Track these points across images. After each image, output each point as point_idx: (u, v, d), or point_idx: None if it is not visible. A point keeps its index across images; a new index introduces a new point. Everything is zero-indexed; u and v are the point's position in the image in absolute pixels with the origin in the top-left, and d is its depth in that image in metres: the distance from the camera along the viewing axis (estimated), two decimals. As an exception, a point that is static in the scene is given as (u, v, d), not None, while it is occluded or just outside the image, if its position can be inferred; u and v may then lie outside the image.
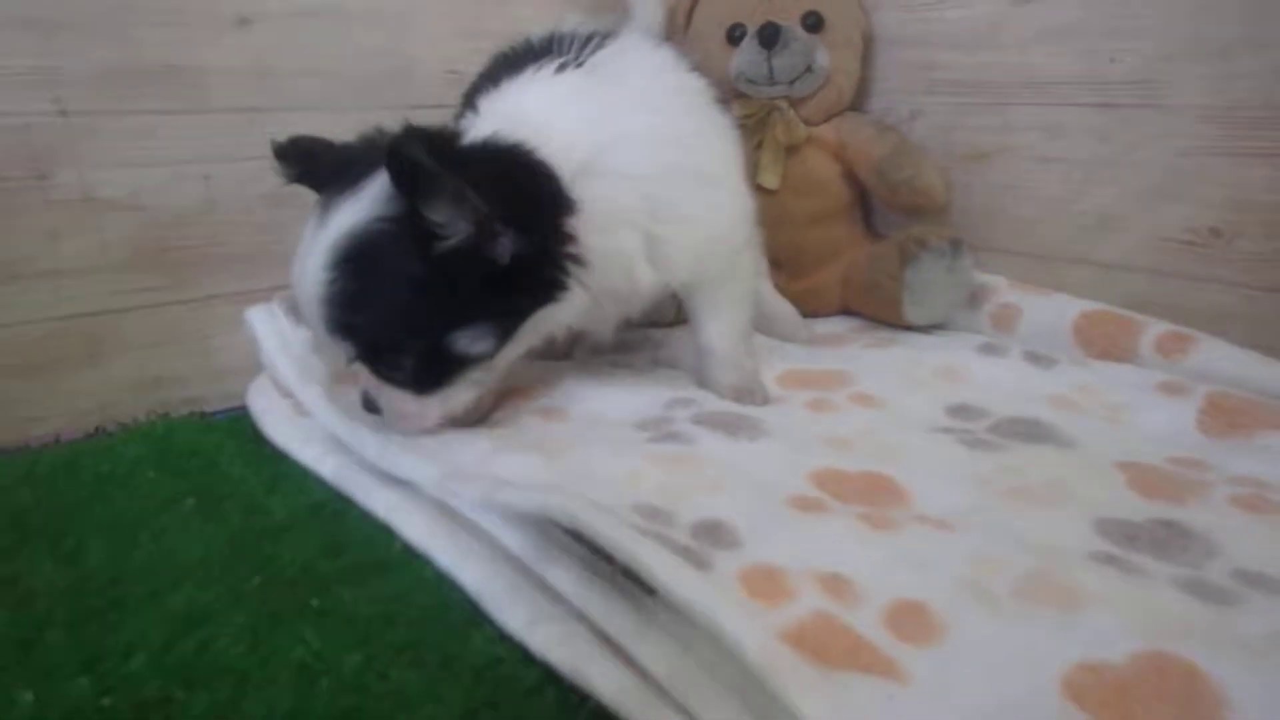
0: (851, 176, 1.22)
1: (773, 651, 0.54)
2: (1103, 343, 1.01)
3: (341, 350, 0.78)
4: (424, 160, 0.68)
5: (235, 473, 0.87)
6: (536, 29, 0.98)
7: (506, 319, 0.79)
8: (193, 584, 0.70)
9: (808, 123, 1.20)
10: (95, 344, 0.98)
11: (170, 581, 0.71)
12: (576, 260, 0.79)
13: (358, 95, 1.05)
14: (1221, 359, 0.94)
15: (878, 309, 1.15)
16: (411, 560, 0.74)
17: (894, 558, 0.66)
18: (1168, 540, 0.69)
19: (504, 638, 0.65)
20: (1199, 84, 0.97)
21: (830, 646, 0.56)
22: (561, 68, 0.86)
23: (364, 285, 0.74)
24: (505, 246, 0.74)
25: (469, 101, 0.91)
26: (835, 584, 0.62)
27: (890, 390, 0.95)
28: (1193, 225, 1.00)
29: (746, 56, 1.18)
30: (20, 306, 0.93)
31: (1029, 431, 0.87)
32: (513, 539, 0.70)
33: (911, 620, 0.59)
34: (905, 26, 1.23)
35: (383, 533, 0.77)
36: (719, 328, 0.95)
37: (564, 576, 0.66)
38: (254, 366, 1.03)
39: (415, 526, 0.76)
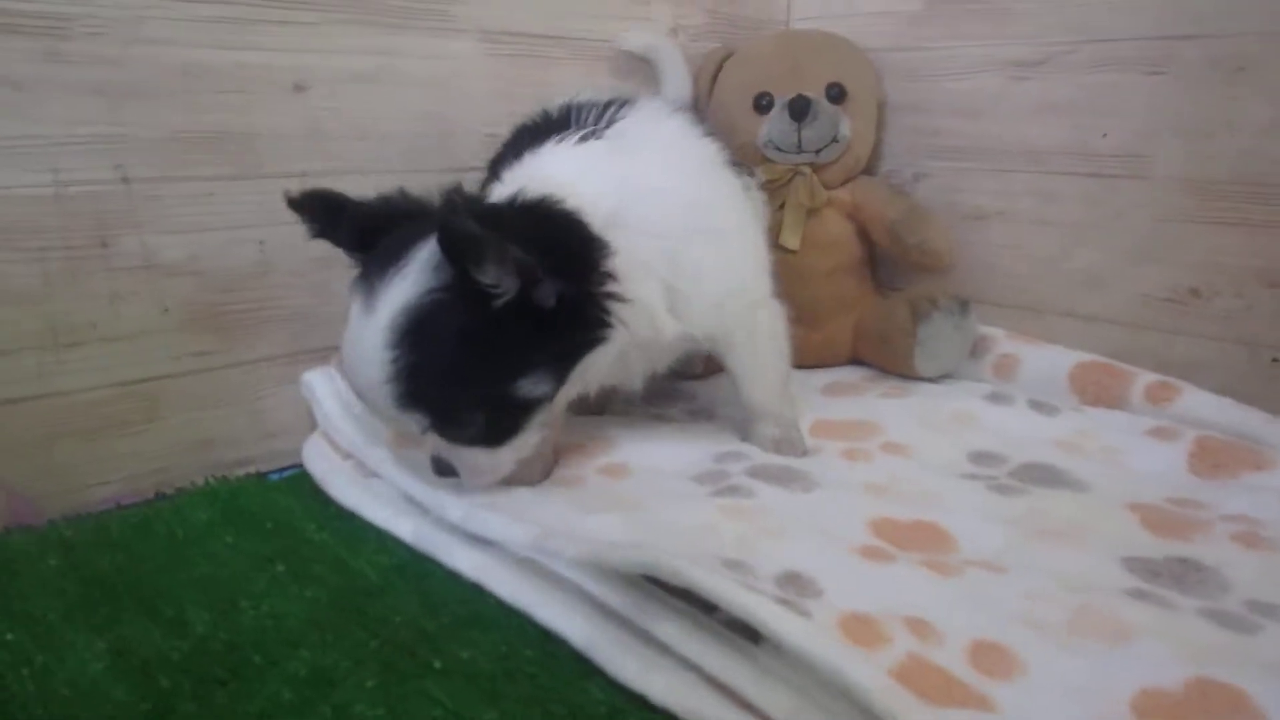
0: (863, 235, 1.34)
1: (894, 693, 0.63)
2: (1096, 390, 1.14)
3: (414, 422, 0.83)
4: (475, 230, 0.75)
5: (313, 535, 0.93)
6: (569, 93, 1.07)
7: (561, 362, 0.86)
8: (309, 649, 0.76)
9: (826, 186, 1.31)
10: (152, 408, 1.02)
11: (286, 647, 0.76)
12: (618, 298, 0.86)
13: (404, 158, 1.12)
14: (1204, 406, 1.07)
15: (889, 360, 1.27)
16: (508, 617, 0.81)
17: (960, 600, 0.75)
18: (1184, 575, 0.80)
19: (617, 687, 0.72)
20: (1179, 159, 1.12)
21: (926, 686, 0.64)
22: (583, 139, 0.95)
23: (429, 356, 0.79)
24: (548, 292, 0.81)
25: (494, 172, 1.00)
26: (920, 627, 0.72)
27: (914, 438, 1.07)
28: (1173, 285, 1.15)
29: (776, 126, 1.29)
30: (82, 372, 0.97)
31: (1046, 476, 0.98)
32: (613, 595, 0.78)
33: (991, 657, 0.68)
34: (910, 94, 1.36)
35: (472, 590, 0.84)
36: (758, 385, 1.05)
37: (672, 630, 0.74)
38: (301, 426, 1.09)
39: (505, 584, 0.83)
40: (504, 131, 1.14)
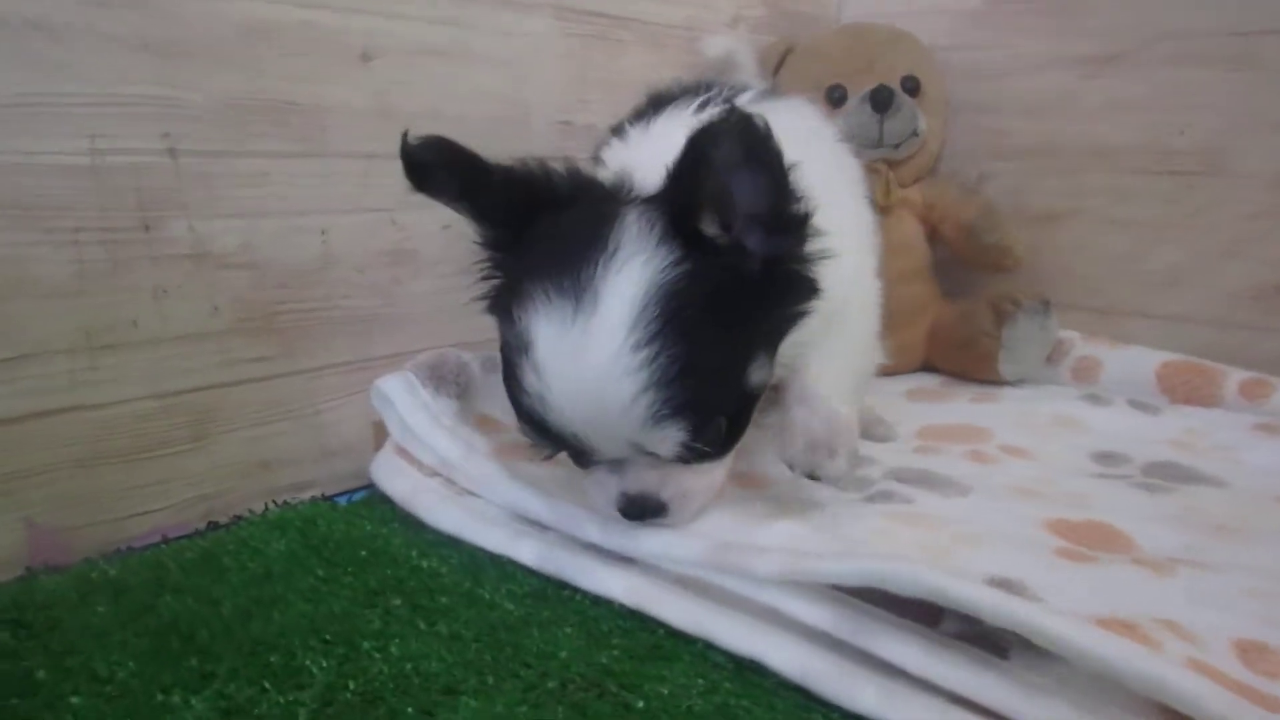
0: (933, 237, 1.26)
1: (1232, 703, 0.53)
2: (1186, 390, 1.08)
3: (667, 442, 0.64)
4: (770, 143, 0.59)
5: (420, 564, 0.77)
6: (640, 81, 0.95)
7: (774, 338, 0.70)
8: (471, 694, 0.61)
9: (900, 185, 1.23)
10: (200, 423, 0.84)
11: (440, 694, 0.61)
12: (827, 256, 0.69)
13: (477, 141, 0.97)
14: (1303, 401, 1.02)
15: (969, 365, 1.18)
16: (687, 644, 0.67)
17: (1190, 599, 0.66)
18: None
19: (850, 716, 0.60)
20: (1263, 155, 1.08)
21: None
22: (703, 105, 0.81)
23: (689, 347, 0.61)
24: (758, 250, 0.65)
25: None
26: (1175, 629, 0.62)
27: (1028, 441, 0.98)
28: (1259, 282, 1.10)
29: (857, 119, 1.20)
30: (119, 381, 0.79)
31: (1179, 474, 0.91)
32: (819, 614, 0.65)
33: (1265, 659, 0.59)
34: (975, 94, 1.28)
35: (631, 619, 0.70)
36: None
37: (904, 650, 0.61)
38: (364, 444, 0.93)
39: (675, 608, 0.69)
40: (577, 120, 1.02)
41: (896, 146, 1.21)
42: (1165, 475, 0.91)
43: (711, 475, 0.71)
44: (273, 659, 0.65)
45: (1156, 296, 1.17)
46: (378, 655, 0.65)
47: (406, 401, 0.87)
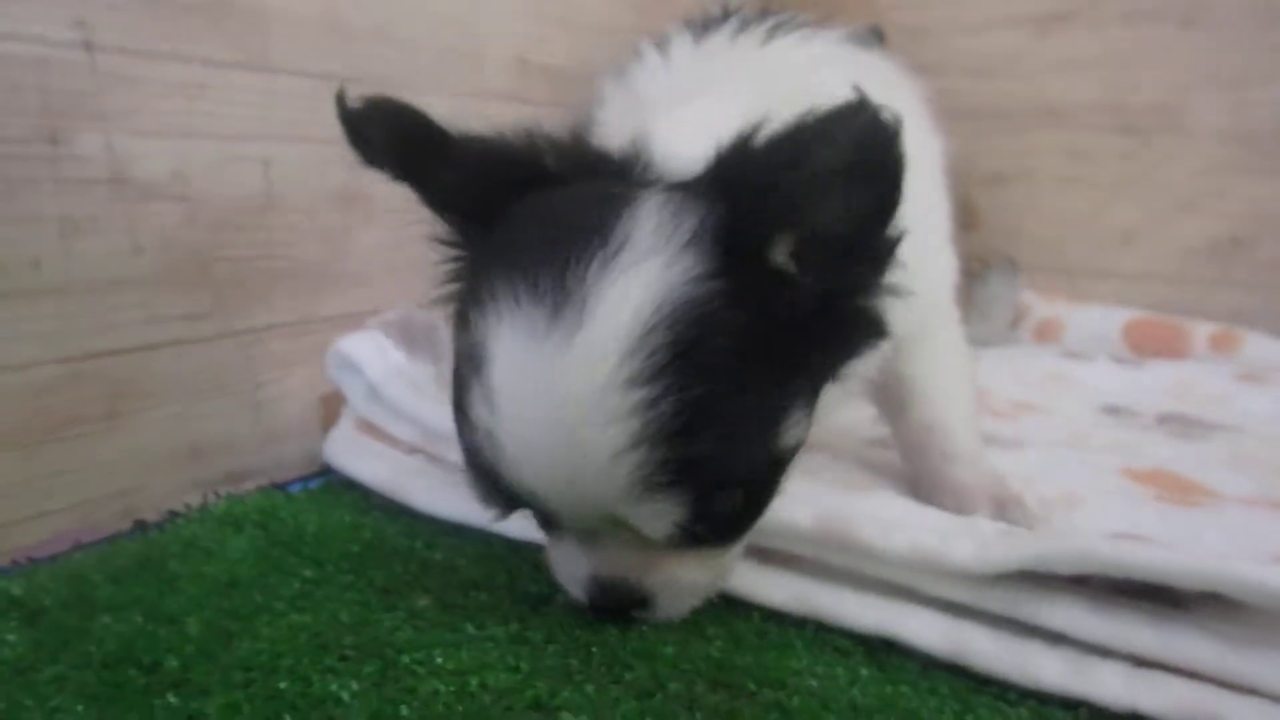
0: None
1: None
2: (1154, 345, 1.04)
3: (663, 520, 0.45)
4: (897, 152, 0.42)
5: (435, 557, 0.59)
6: (603, 25, 0.81)
7: (816, 386, 0.51)
8: (572, 710, 0.45)
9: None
10: (117, 397, 0.62)
11: (528, 710, 0.45)
12: (898, 292, 0.50)
13: (425, 75, 0.78)
14: (1270, 349, 1.00)
15: (938, 328, 1.09)
16: (797, 628, 0.54)
17: None
18: None
19: (1030, 695, 0.49)
20: (1216, 111, 1.05)
21: None
22: (773, 31, 0.67)
23: (707, 392, 0.43)
24: (824, 276, 0.47)
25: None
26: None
27: (1033, 397, 0.91)
28: (1213, 235, 1.07)
29: None
30: (14, 340, 0.57)
31: (1195, 421, 0.87)
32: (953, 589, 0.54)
33: None
34: (920, 55, 1.17)
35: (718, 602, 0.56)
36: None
37: (1066, 613, 0.50)
38: (308, 424, 0.73)
39: (773, 585, 0.56)
40: (534, 59, 0.87)
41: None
42: (1183, 423, 0.86)
43: (714, 566, 0.52)
44: (282, 685, 0.47)
45: (1113, 254, 1.13)
46: (421, 669, 0.48)
47: (378, 366, 0.68)
